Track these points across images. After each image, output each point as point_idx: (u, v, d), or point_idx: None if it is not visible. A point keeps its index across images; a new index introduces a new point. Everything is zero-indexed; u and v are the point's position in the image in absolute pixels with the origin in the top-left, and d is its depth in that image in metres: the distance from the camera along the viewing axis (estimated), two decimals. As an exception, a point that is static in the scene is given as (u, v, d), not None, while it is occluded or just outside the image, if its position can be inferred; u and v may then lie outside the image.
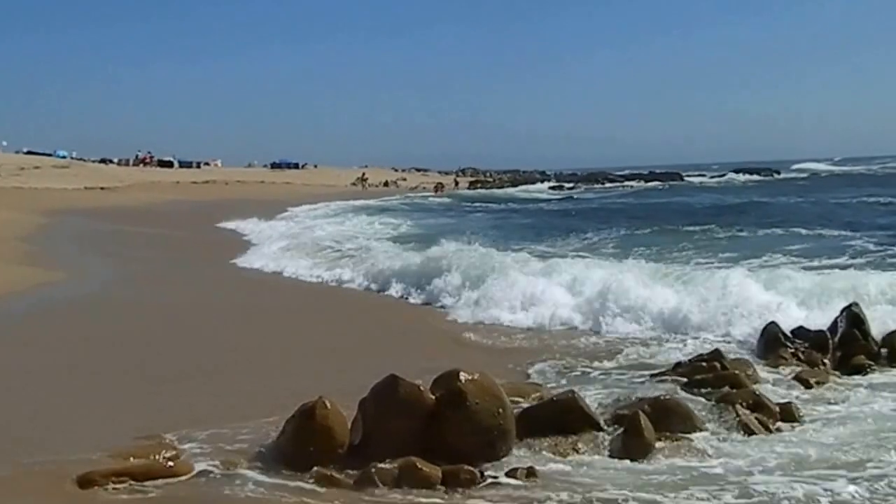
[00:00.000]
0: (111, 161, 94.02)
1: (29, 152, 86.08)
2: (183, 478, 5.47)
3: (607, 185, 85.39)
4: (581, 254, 17.66)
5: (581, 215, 34.41)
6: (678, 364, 8.24)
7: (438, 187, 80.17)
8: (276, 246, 22.09)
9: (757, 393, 7.08)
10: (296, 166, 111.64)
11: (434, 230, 25.31)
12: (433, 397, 5.82)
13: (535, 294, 12.05)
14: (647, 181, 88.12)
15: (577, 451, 6.02)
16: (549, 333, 10.80)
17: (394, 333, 11.07)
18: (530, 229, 27.63)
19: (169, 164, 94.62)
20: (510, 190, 78.30)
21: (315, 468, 5.48)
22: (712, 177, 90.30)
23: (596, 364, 8.85)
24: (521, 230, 27.27)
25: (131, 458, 5.64)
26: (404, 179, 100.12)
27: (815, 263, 14.54)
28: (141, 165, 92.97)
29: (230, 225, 30.77)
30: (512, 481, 5.46)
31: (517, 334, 10.72)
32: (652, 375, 8.10)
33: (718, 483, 5.47)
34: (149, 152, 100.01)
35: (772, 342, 9.02)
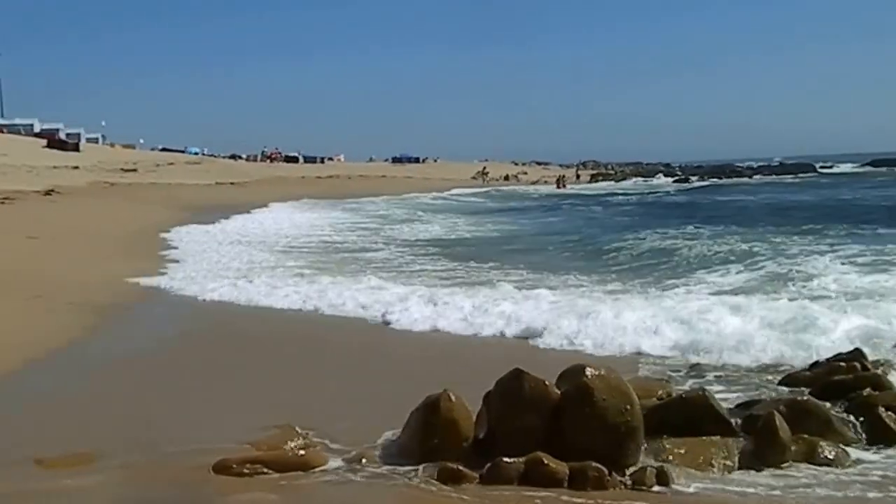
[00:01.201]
0: (240, 157, 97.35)
1: (163, 149, 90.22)
2: (314, 470, 5.56)
3: (734, 178, 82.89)
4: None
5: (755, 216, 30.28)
6: (814, 364, 7.85)
7: (560, 181, 79.27)
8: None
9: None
10: (416, 160, 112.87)
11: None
12: (558, 393, 5.71)
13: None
14: (777, 174, 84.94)
15: (706, 455, 5.73)
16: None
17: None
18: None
19: (294, 160, 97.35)
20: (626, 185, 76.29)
21: (440, 462, 5.47)
22: (852, 169, 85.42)
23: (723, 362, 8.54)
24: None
25: (264, 448, 5.79)
26: (525, 173, 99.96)
27: None
28: (268, 161, 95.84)
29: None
30: (642, 488, 5.29)
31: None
32: (785, 375, 7.72)
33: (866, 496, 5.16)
34: (276, 148, 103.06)
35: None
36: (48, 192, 34.74)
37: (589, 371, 5.71)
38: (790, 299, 11.12)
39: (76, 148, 69.25)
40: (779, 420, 5.78)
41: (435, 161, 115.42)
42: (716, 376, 8.03)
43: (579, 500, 5.13)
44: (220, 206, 37.27)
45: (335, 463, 5.66)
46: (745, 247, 17.41)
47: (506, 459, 5.38)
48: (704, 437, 5.86)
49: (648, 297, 11.74)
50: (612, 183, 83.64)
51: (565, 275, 15.10)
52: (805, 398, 6.46)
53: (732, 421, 6.07)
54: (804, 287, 12.53)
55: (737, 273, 14.53)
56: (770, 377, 7.85)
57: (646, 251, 18.50)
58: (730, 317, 9.81)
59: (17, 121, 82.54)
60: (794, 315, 9.68)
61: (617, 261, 17.50)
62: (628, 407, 5.63)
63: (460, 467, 5.41)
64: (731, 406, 6.60)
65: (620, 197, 53.77)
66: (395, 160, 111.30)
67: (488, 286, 13.39)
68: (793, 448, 5.73)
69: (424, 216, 36.84)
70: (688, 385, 7.51)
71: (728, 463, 5.67)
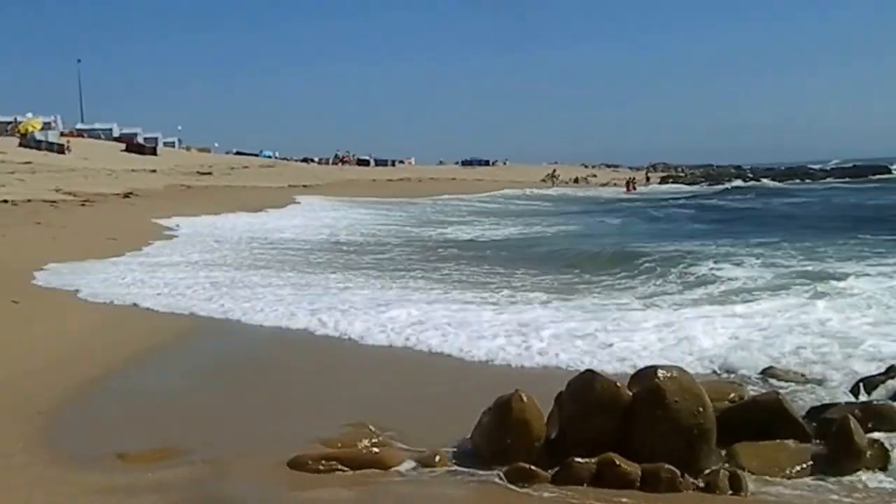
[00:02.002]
0: (312, 160, 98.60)
1: (238, 153, 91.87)
2: (390, 469, 5.64)
3: (808, 181, 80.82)
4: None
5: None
6: (890, 368, 7.67)
7: (630, 184, 78.31)
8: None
9: None
10: (486, 163, 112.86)
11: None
12: (629, 394, 5.68)
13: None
14: (851, 176, 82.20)
15: (780, 460, 5.63)
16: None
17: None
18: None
19: (366, 163, 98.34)
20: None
21: (513, 462, 5.50)
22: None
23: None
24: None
25: (339, 445, 5.93)
26: (594, 176, 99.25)
27: None
28: (340, 164, 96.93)
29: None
30: (715, 492, 5.25)
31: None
32: (858, 380, 7.46)
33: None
34: (347, 151, 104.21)
35: None
36: (127, 195, 35.72)
37: (661, 372, 5.66)
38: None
39: (154, 152, 71.10)
40: (854, 424, 5.67)
41: (504, 164, 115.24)
42: (786, 381, 7.87)
43: (651, 502, 5.13)
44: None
45: (409, 462, 5.73)
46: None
47: (578, 460, 5.38)
48: (778, 441, 5.76)
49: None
50: (683, 186, 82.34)
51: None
52: (882, 402, 6.33)
53: (806, 425, 5.96)
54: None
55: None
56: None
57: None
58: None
59: (97, 125, 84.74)
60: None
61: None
62: (701, 409, 5.56)
63: (532, 467, 5.44)
64: (803, 412, 6.48)
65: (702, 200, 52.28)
66: (465, 163, 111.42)
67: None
68: (868, 454, 5.60)
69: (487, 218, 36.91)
70: (759, 389, 7.39)
71: (801, 468, 5.58)
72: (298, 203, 42.21)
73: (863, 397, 6.89)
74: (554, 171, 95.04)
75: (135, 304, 12.40)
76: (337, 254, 20.96)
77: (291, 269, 17.19)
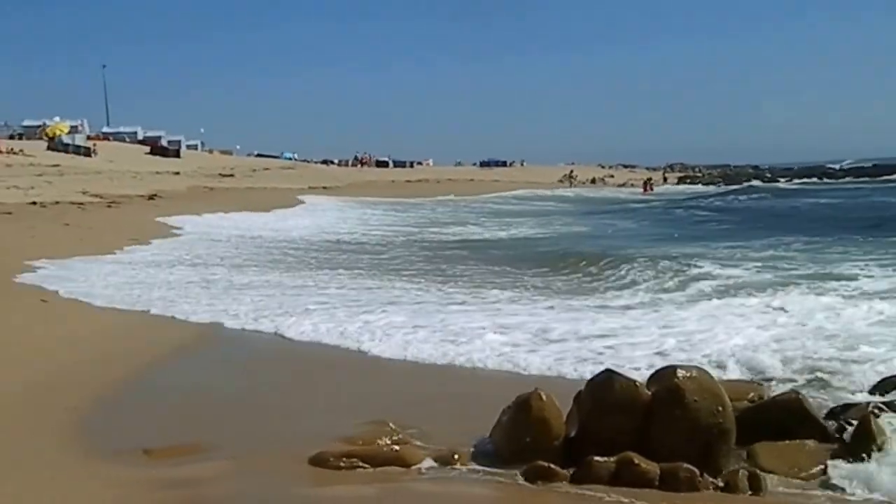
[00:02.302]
0: (332, 162, 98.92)
1: (259, 155, 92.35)
2: (410, 467, 5.68)
3: (826, 180, 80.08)
4: None
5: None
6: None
7: (647, 184, 77.96)
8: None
9: None
10: (503, 164, 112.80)
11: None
12: (649, 394, 5.68)
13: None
14: (871, 176, 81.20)
15: (800, 460, 5.59)
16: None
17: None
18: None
19: (385, 164, 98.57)
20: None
21: (532, 461, 5.52)
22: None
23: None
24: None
25: (360, 442, 5.97)
26: (611, 176, 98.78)
27: None
28: (359, 166, 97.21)
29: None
30: (735, 492, 5.23)
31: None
32: (880, 381, 7.38)
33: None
34: (366, 153, 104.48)
35: None
36: (151, 197, 36.02)
37: (680, 372, 5.65)
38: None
39: (177, 154, 71.75)
40: (875, 423, 5.65)
41: (521, 164, 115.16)
42: (807, 380, 7.83)
43: (671, 501, 5.14)
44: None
45: (429, 460, 5.76)
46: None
47: (597, 459, 5.40)
48: (798, 442, 5.74)
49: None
50: (701, 186, 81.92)
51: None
52: (902, 402, 6.28)
53: (827, 426, 5.94)
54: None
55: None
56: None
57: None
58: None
59: (122, 129, 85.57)
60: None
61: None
62: (720, 409, 5.54)
63: (551, 466, 5.46)
64: (824, 412, 6.45)
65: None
66: (483, 164, 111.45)
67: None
68: (889, 453, 5.52)
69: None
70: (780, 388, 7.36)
71: (821, 468, 5.53)
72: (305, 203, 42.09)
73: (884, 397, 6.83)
74: (571, 171, 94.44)
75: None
76: (339, 252, 21.20)
77: (313, 268, 17.38)
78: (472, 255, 20.78)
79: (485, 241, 26.11)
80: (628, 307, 12.10)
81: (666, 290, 13.69)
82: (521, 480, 5.43)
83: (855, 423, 5.79)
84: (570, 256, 18.99)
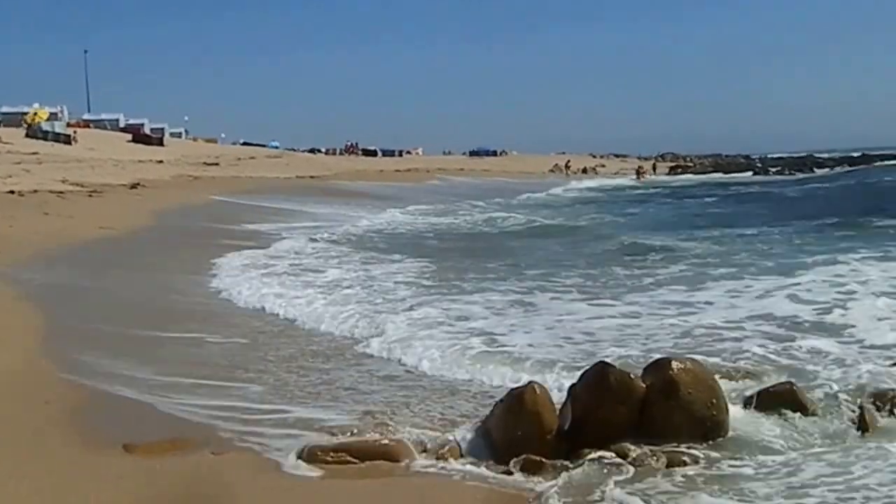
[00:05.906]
0: (319, 150, 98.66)
1: (244, 143, 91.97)
2: (401, 461, 5.60)
3: (817, 171, 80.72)
4: None
5: None
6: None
7: (640, 172, 78.50)
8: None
9: None
10: (493, 153, 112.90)
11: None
12: (643, 386, 5.67)
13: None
14: (861, 163, 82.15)
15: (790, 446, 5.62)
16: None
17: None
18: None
19: (373, 153, 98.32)
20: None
21: (525, 453, 5.46)
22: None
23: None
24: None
25: (349, 434, 5.90)
26: (603, 166, 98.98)
27: None
28: (347, 154, 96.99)
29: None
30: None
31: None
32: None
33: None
34: (355, 142, 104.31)
35: None
36: (134, 186, 35.66)
37: (675, 364, 5.67)
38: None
39: (160, 142, 71.03)
40: (868, 415, 5.74)
41: (513, 153, 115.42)
42: (800, 369, 7.69)
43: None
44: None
45: (419, 453, 5.69)
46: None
47: (590, 451, 5.37)
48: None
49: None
50: (691, 175, 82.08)
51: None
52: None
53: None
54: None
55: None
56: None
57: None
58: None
59: (104, 116, 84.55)
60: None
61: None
62: (714, 400, 5.63)
63: (543, 459, 5.41)
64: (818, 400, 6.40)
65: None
66: (473, 153, 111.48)
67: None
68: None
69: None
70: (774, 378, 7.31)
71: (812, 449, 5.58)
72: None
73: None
74: (567, 161, 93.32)
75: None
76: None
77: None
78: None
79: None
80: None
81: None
82: (513, 473, 5.37)
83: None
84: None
